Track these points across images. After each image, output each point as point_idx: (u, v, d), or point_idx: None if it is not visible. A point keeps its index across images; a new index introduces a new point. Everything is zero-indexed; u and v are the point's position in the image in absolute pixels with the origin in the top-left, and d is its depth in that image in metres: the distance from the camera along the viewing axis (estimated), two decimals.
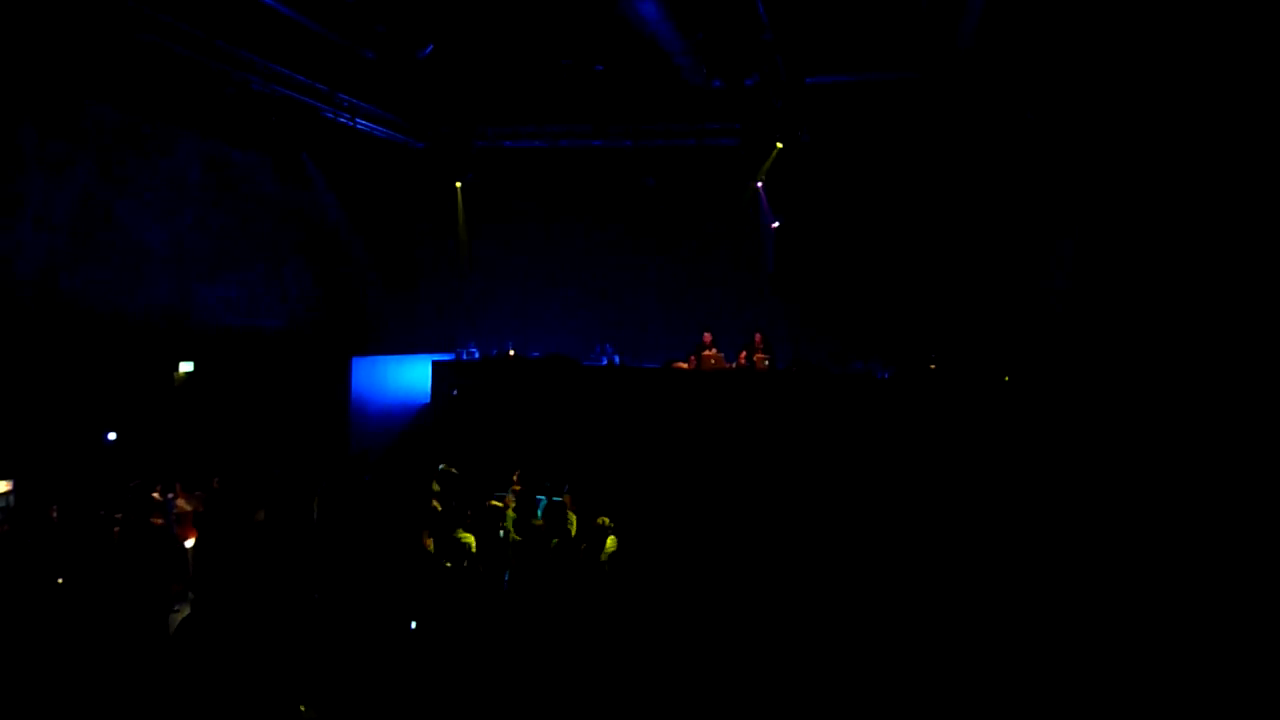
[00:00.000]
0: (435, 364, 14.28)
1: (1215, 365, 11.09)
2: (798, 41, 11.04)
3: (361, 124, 13.65)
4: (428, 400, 14.24)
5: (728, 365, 13.12)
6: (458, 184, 16.05)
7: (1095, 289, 12.62)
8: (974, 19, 9.61)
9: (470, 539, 7.56)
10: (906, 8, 9.97)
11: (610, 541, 7.69)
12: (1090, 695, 6.37)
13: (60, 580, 6.89)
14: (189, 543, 8.11)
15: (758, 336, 13.21)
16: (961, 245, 13.91)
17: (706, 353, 13.18)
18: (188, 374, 11.63)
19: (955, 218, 13.90)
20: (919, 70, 11.60)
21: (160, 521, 8.11)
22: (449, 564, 7.09)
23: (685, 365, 13.31)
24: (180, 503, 8.85)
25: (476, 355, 15.02)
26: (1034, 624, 7.20)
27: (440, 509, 8.50)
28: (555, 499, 8.64)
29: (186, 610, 6.84)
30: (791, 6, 10.05)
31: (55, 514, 8.23)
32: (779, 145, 13.71)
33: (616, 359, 14.48)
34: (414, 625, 6.22)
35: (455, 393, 13.82)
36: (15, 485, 8.82)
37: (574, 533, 7.98)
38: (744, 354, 13.16)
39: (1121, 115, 12.01)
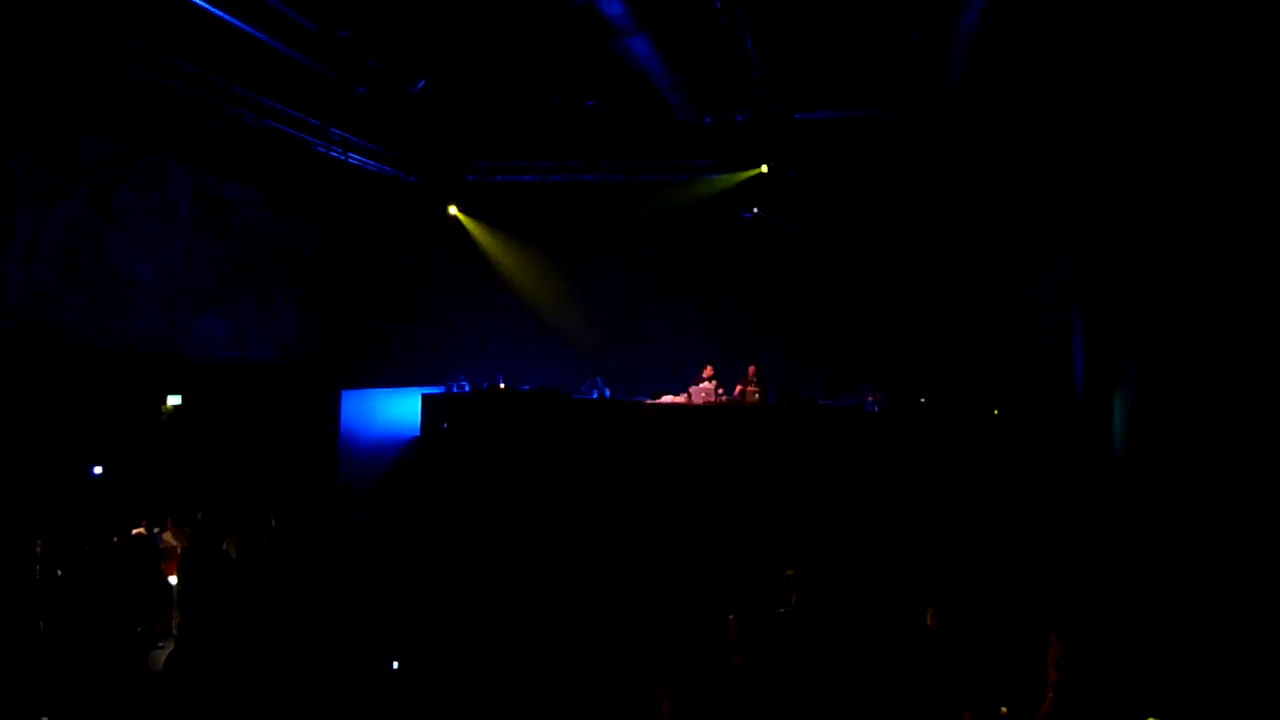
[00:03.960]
0: (425, 397, 14.25)
1: (1209, 400, 11.11)
2: (786, 78, 11.15)
3: (353, 158, 13.70)
4: (417, 433, 14.20)
5: (715, 399, 13.12)
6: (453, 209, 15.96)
7: (1084, 323, 12.69)
8: (961, 55, 9.73)
9: None
10: (894, 46, 10.10)
11: None
12: None
13: (43, 617, 6.81)
14: (174, 579, 8.04)
15: (751, 370, 13.24)
16: (950, 280, 14.00)
17: (701, 386, 13.20)
18: (176, 407, 11.57)
19: (944, 251, 14.00)
20: (906, 106, 11.73)
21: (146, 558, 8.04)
22: None
23: (676, 398, 13.31)
24: (166, 537, 8.78)
25: (467, 388, 14.99)
26: (1024, 664, 7.15)
27: None
28: None
29: (171, 647, 6.76)
30: (780, 44, 10.17)
31: (39, 548, 8.16)
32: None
33: (607, 392, 14.48)
34: (395, 665, 6.15)
35: (445, 425, 13.78)
36: (0, 519, 8.74)
37: None
38: (739, 387, 13.18)
39: (1108, 148, 12.13)
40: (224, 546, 8.01)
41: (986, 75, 10.74)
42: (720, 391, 13.20)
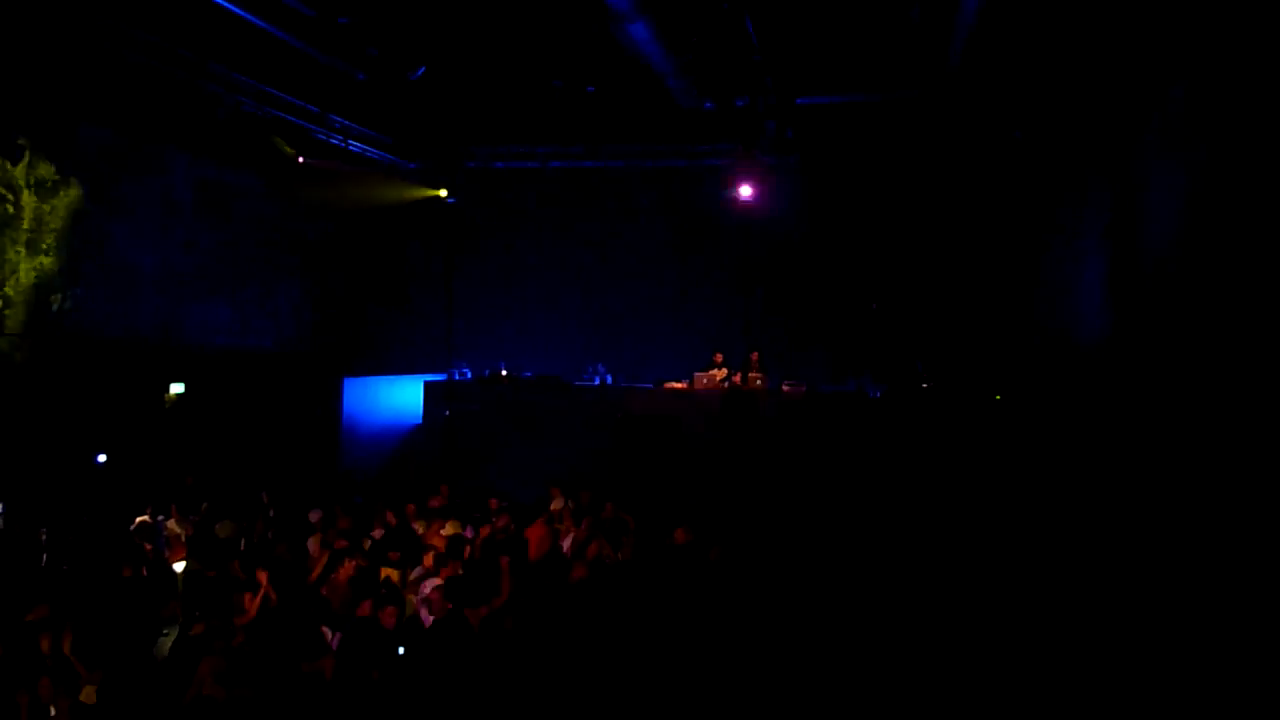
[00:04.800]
0: (427, 384, 14.26)
1: (1212, 383, 11.07)
2: (787, 62, 11.11)
3: (354, 145, 13.68)
4: (420, 421, 14.22)
5: (718, 386, 13.12)
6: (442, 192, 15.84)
7: (1087, 306, 12.66)
8: (962, 38, 9.70)
9: None
10: (895, 29, 10.06)
11: None
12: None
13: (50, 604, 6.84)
14: (178, 566, 8.08)
15: (754, 356, 13.24)
16: (952, 263, 13.97)
17: (708, 373, 13.20)
18: (178, 395, 11.59)
19: (945, 235, 13.96)
20: (908, 90, 11.69)
21: (150, 545, 8.08)
22: None
23: (680, 385, 13.32)
24: (170, 525, 8.82)
25: (469, 375, 15.00)
26: (1028, 653, 7.17)
27: None
28: None
29: (176, 633, 6.79)
30: (781, 28, 10.13)
31: (44, 536, 8.21)
32: None
33: (609, 379, 14.48)
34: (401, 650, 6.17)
35: (447, 413, 13.79)
36: (4, 507, 8.77)
37: None
38: (739, 374, 13.17)
39: (1109, 129, 12.09)
40: (219, 532, 8.07)
41: (989, 58, 10.69)
42: (723, 377, 13.20)
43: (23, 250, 9.98)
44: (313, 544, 8.40)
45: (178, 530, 8.79)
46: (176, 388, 11.58)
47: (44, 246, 10.27)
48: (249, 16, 9.31)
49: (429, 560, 7.55)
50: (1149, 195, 9.91)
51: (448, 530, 8.50)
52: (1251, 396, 7.21)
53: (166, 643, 6.77)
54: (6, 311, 9.77)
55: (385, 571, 7.57)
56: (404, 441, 14.44)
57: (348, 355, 14.86)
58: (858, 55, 11.01)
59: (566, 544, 8.79)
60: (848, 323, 14.61)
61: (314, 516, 9.07)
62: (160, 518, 8.81)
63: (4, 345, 9.67)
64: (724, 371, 13.25)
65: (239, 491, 10.37)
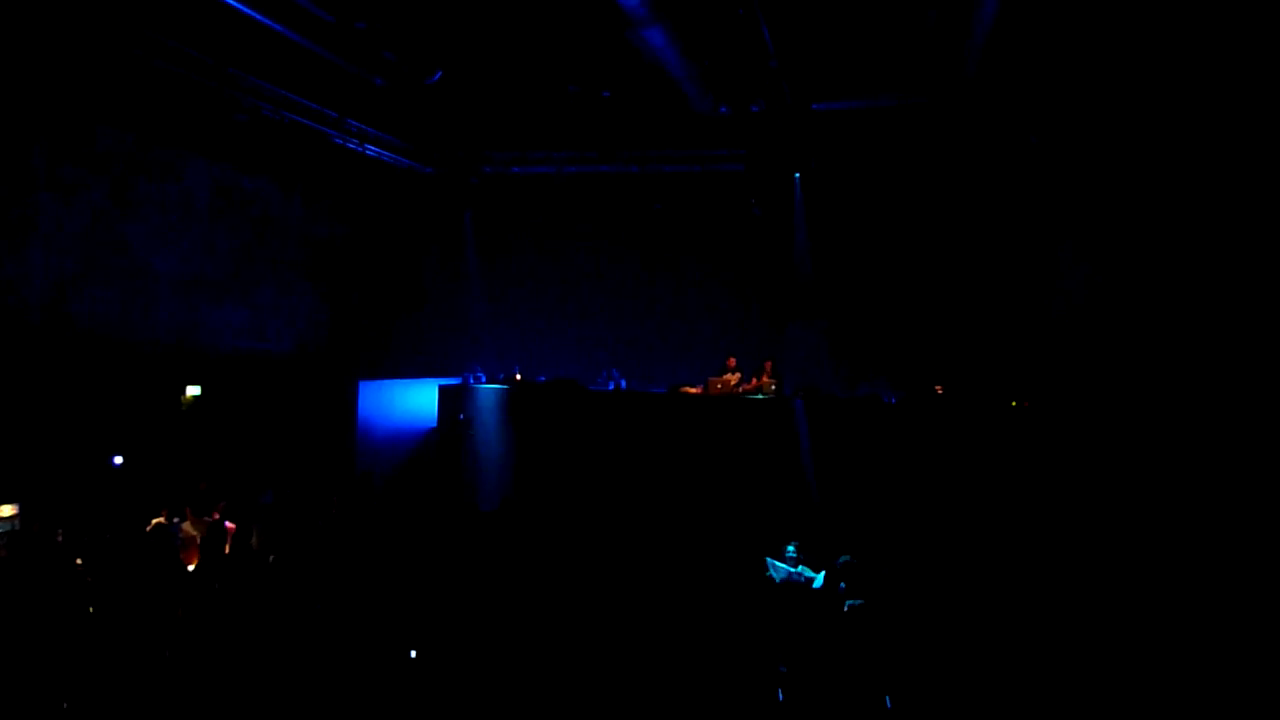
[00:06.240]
0: (442, 388, 14.29)
1: (1228, 386, 11.04)
2: (803, 68, 11.10)
3: (370, 149, 13.73)
4: (434, 425, 14.25)
5: (733, 392, 13.09)
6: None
7: (1103, 311, 12.60)
8: (979, 44, 9.66)
9: None
10: (912, 35, 10.03)
11: None
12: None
13: (64, 605, 6.87)
14: (193, 568, 8.10)
15: (767, 364, 13.24)
16: (969, 269, 13.90)
17: (721, 378, 13.19)
18: (195, 397, 11.65)
19: (962, 241, 13.89)
20: (924, 96, 11.66)
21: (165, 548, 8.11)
22: None
23: (694, 390, 13.29)
24: (186, 527, 8.85)
25: (484, 379, 15.02)
26: (1045, 661, 7.11)
27: None
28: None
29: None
30: (797, 33, 10.12)
31: (61, 538, 8.25)
32: None
33: (623, 384, 14.47)
34: (413, 654, 6.17)
35: (462, 417, 13.81)
36: (21, 509, 8.83)
37: None
38: (754, 380, 13.17)
39: (1125, 136, 12.04)
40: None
41: (1006, 63, 10.66)
42: (736, 382, 13.17)
43: (40, 251, 10.06)
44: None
45: (193, 533, 8.83)
46: (193, 390, 11.64)
47: (63, 247, 10.35)
48: (267, 21, 9.37)
49: None
50: None
51: None
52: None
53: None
54: (24, 313, 9.85)
55: None
56: (419, 444, 14.47)
57: (363, 358, 14.92)
58: (874, 61, 10.98)
59: None
60: (863, 329, 14.56)
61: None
62: (176, 520, 8.85)
63: (21, 347, 9.75)
64: (737, 376, 13.24)
65: (254, 494, 10.42)
